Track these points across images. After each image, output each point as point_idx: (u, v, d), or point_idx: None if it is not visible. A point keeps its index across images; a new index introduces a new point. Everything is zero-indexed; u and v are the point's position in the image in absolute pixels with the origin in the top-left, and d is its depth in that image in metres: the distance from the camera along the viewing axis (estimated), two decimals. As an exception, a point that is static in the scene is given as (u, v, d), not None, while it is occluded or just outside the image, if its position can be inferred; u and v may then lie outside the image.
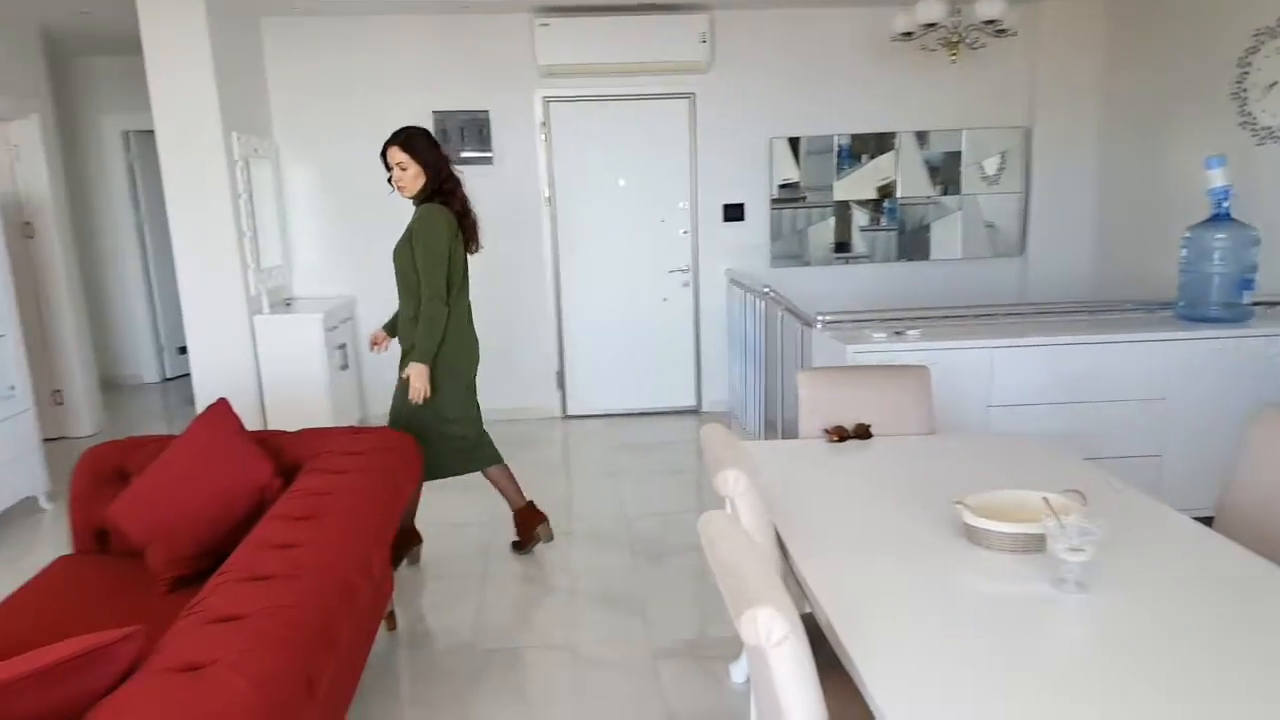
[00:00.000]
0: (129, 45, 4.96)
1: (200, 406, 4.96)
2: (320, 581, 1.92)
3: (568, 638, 3.05)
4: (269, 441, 2.80)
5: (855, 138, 5.72)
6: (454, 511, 4.23)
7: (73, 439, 5.56)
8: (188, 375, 7.10)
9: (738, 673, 2.78)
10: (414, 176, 3.26)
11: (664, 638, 3.04)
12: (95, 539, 2.74)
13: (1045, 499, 1.81)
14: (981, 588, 1.73)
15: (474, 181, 5.61)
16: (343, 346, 5.45)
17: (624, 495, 4.41)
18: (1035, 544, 1.81)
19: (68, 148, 6.60)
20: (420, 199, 3.30)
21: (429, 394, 3.28)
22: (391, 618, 3.11)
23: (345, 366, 5.50)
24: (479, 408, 3.58)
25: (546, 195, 5.68)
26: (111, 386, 6.99)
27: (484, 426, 3.61)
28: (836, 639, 1.60)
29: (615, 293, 5.82)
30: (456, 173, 3.36)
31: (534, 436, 5.52)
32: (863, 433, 2.55)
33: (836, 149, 5.71)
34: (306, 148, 5.60)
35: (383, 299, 5.77)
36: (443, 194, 3.29)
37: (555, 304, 5.82)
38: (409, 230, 3.27)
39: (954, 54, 4.77)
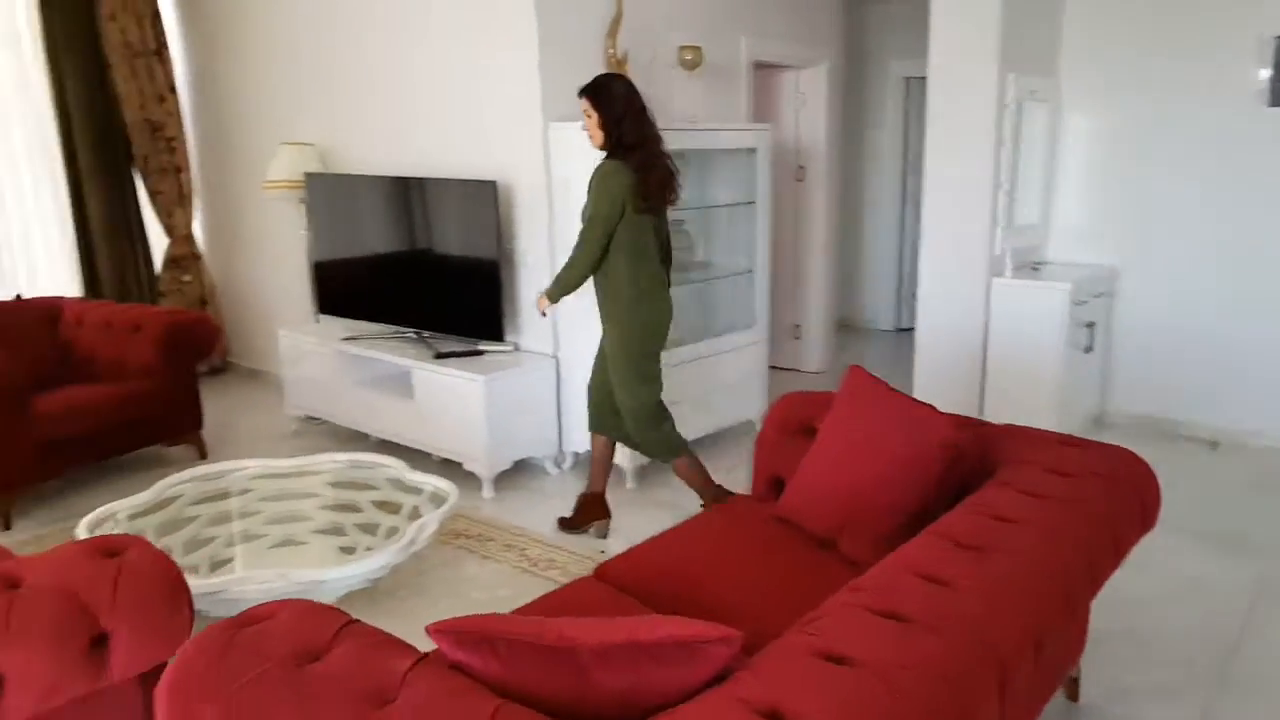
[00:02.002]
0: (922, -12, 4.81)
1: (919, 362, 4.75)
2: (966, 647, 1.41)
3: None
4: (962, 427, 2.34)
5: None
6: (1192, 562, 3.22)
7: (802, 372, 5.93)
8: (920, 329, 7.07)
9: None
10: (595, 127, 3.11)
11: None
12: (771, 486, 2.66)
13: None
14: None
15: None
16: (1091, 325, 4.64)
17: None
18: None
19: (849, 94, 6.93)
20: (606, 153, 3.12)
21: (545, 306, 3.31)
22: (1074, 685, 2.42)
23: (1089, 349, 4.68)
24: (655, 379, 3.30)
25: None
26: (847, 328, 7.31)
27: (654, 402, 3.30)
28: None
29: None
30: (652, 129, 3.13)
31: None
32: None
33: None
34: (1095, 90, 4.79)
35: (1154, 275, 4.75)
36: (622, 148, 3.07)
37: None
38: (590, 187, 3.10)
39: None
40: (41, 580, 1.69)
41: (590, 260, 3.14)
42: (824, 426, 2.42)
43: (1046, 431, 2.38)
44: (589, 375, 3.46)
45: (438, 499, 3.16)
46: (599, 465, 3.47)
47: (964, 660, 1.39)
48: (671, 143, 3.85)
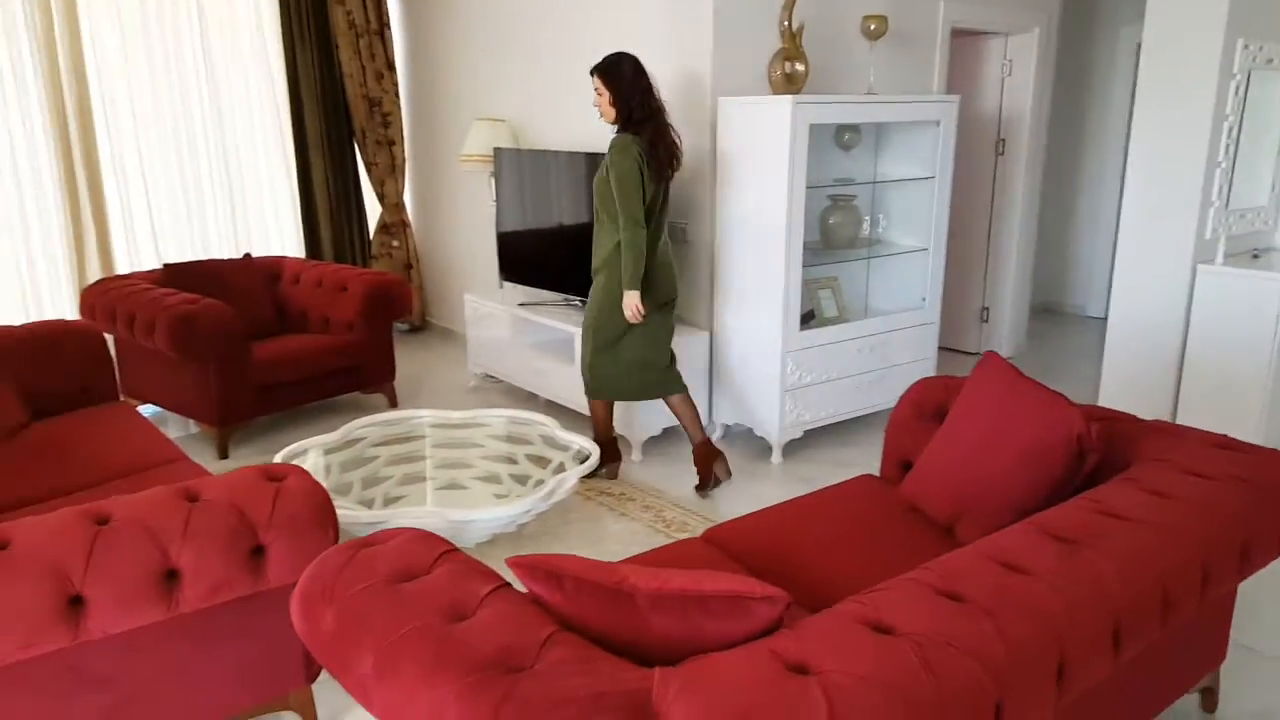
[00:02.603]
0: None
1: (1109, 354, 4.41)
2: (1022, 633, 1.38)
3: None
4: (1101, 420, 2.21)
5: None
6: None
7: (989, 358, 5.64)
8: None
9: None
10: (608, 104, 3.34)
11: None
12: (900, 468, 2.62)
13: None
14: None
15: None
16: (1318, 321, 4.12)
17: None
18: None
19: (1071, 63, 6.43)
20: (618, 127, 3.35)
21: (640, 317, 3.38)
22: (1211, 696, 2.23)
23: (1313, 347, 4.16)
24: (669, 333, 3.58)
25: None
26: (1048, 312, 6.86)
27: (673, 353, 3.63)
28: None
29: None
30: (658, 102, 3.36)
31: None
32: None
33: None
34: (1341, 56, 4.22)
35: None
36: (633, 123, 3.30)
37: None
38: (605, 160, 3.33)
39: None
40: (216, 496, 1.99)
41: (641, 231, 3.28)
42: (952, 411, 2.36)
43: (1205, 432, 2.20)
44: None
45: (581, 457, 3.35)
46: (684, 418, 3.63)
47: (1015, 645, 1.36)
48: (845, 115, 3.82)
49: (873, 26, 4.19)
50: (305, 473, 2.15)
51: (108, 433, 3.10)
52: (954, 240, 5.65)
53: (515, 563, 1.55)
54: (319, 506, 2.06)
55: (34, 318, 4.82)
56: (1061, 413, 2.06)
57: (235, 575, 1.93)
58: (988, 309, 5.68)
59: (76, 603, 1.78)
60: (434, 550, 1.68)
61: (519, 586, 1.65)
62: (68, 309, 4.95)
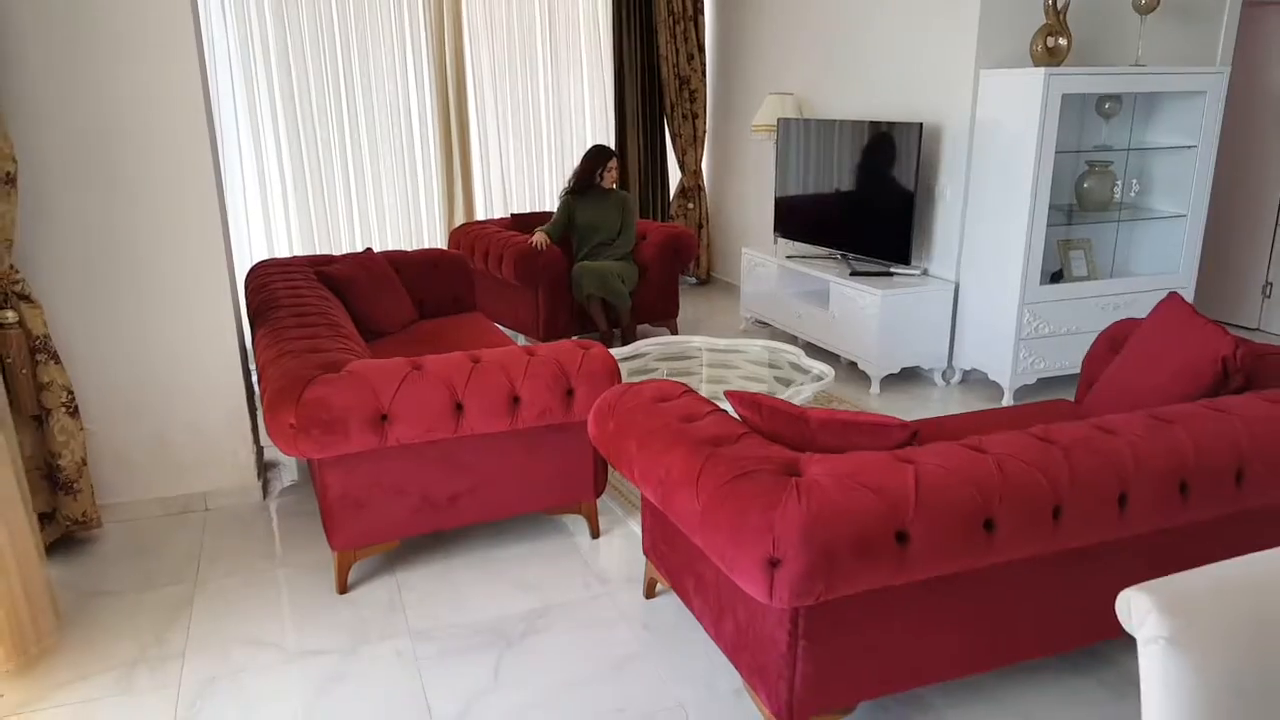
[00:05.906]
0: None
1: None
2: (1085, 467, 1.86)
3: None
4: (1258, 354, 2.48)
5: None
6: None
7: (1267, 333, 5.43)
8: None
9: None
10: (614, 174, 5.33)
11: None
12: (1088, 391, 2.99)
13: None
14: None
15: None
16: None
17: None
18: None
19: None
20: (613, 187, 5.36)
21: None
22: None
23: None
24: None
25: None
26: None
27: None
28: None
29: None
30: None
31: None
32: None
33: None
34: None
35: None
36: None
37: None
38: (617, 206, 5.35)
39: None
40: (546, 354, 2.90)
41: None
42: (1129, 340, 2.72)
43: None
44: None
45: (818, 377, 3.97)
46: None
47: (1080, 471, 1.85)
48: (1098, 86, 4.08)
49: (1143, 1, 4.32)
50: (603, 346, 3.01)
51: (471, 330, 4.23)
52: (1235, 212, 5.47)
53: (730, 394, 2.27)
54: (610, 368, 2.92)
55: (416, 247, 6.29)
56: (1213, 338, 2.39)
57: (555, 405, 2.83)
58: (1271, 284, 5.44)
59: (459, 408, 2.75)
60: (679, 389, 2.45)
61: (732, 412, 2.36)
62: (440, 242, 6.38)
